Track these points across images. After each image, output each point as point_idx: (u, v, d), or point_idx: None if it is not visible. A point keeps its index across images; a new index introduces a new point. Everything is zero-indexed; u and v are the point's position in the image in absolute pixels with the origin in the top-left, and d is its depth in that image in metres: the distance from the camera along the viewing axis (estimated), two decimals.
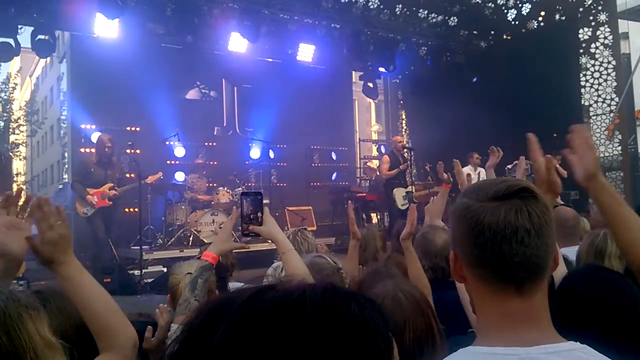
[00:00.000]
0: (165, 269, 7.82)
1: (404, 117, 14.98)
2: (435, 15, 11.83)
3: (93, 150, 8.74)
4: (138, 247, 7.91)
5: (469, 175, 2.65)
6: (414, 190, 9.46)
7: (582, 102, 10.73)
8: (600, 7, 10.54)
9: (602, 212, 1.52)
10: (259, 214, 2.09)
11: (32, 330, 1.17)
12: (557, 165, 1.84)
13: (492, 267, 1.03)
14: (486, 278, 1.05)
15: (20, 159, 33.72)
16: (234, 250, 2.25)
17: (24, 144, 33.12)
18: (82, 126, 10.46)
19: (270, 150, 11.81)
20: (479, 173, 8.85)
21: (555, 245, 1.07)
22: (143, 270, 7.41)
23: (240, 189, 10.04)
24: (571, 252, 2.57)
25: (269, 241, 2.17)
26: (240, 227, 2.14)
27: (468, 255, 1.07)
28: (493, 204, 1.03)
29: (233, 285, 3.22)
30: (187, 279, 2.52)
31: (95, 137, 9.71)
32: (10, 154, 28.47)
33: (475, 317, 1.38)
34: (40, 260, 1.49)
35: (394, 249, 4.11)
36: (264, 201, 2.19)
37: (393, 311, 1.62)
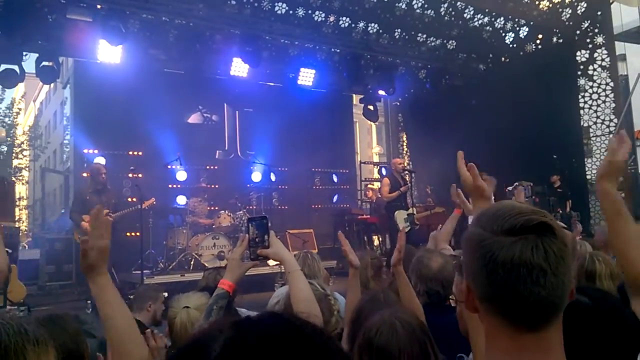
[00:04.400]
0: (166, 294, 7.78)
1: (404, 139, 15.07)
2: (434, 39, 11.98)
3: (86, 174, 8.81)
4: (139, 272, 7.89)
5: None
6: (415, 212, 9.46)
7: (582, 123, 10.79)
8: (597, 30, 10.68)
9: (605, 218, 1.58)
10: (266, 237, 2.13)
11: None
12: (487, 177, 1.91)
13: (504, 306, 1.00)
14: (498, 313, 1.02)
15: (22, 184, 33.81)
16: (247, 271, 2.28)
17: (27, 169, 33.23)
18: (85, 151, 10.52)
19: (272, 173, 11.86)
20: None
21: (572, 279, 1.03)
22: None
23: (241, 212, 10.04)
24: None
25: (271, 265, 2.19)
26: (248, 252, 2.18)
27: (480, 289, 1.04)
28: (508, 239, 0.98)
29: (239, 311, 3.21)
30: (184, 313, 2.52)
31: (96, 161, 9.78)
32: (14, 178, 28.56)
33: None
34: (83, 264, 1.66)
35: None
36: None
37: (388, 339, 1.62)
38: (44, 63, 9.13)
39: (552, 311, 0.99)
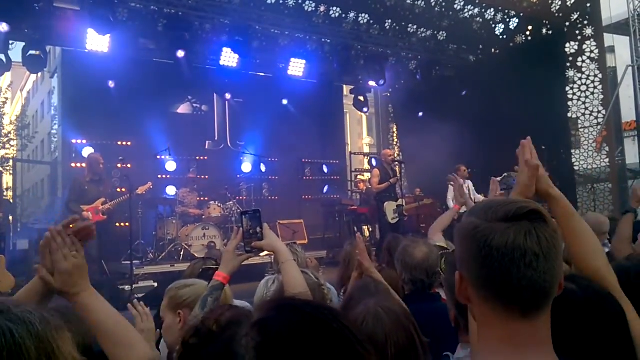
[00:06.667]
0: (156, 284, 7.79)
1: (394, 130, 15.10)
2: (425, 30, 11.98)
3: (83, 165, 8.73)
4: (129, 262, 7.87)
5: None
6: (404, 204, 9.50)
7: (570, 114, 10.88)
8: (586, 22, 10.74)
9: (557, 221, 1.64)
10: (259, 230, 2.17)
11: (67, 352, 1.18)
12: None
13: (498, 290, 1.02)
14: (491, 299, 1.04)
15: (10, 174, 33.50)
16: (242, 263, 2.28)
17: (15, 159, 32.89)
18: (73, 141, 10.43)
19: (262, 164, 11.84)
20: (468, 187, 8.90)
21: (562, 268, 1.06)
22: (134, 285, 7.37)
23: (231, 202, 10.04)
24: None
25: (261, 255, 2.22)
26: (243, 244, 2.21)
27: (474, 276, 1.06)
28: (502, 226, 1.02)
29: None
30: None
31: (86, 152, 9.71)
32: (0, 168, 28.28)
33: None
34: (56, 291, 1.51)
35: (384, 263, 4.14)
36: None
37: (375, 328, 1.64)
38: (31, 52, 9.01)
39: (543, 296, 1.02)
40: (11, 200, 21.04)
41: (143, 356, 1.55)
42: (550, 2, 11.04)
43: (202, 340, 0.74)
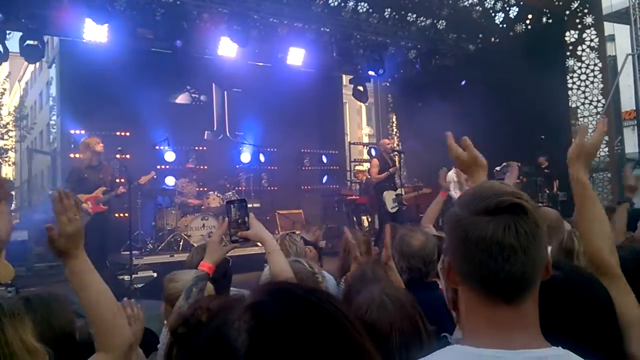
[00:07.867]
0: (155, 274, 7.81)
1: (394, 120, 15.06)
2: (424, 19, 11.90)
3: (79, 155, 8.62)
4: (128, 252, 7.89)
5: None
6: (403, 193, 9.50)
7: (570, 104, 10.84)
8: (586, 10, 10.67)
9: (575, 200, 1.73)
10: (246, 219, 2.16)
11: (11, 336, 1.17)
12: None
13: (479, 280, 1.06)
14: (474, 288, 1.07)
15: (9, 165, 33.45)
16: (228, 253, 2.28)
17: (13, 150, 32.84)
18: (72, 131, 10.39)
19: (261, 154, 11.82)
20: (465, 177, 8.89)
21: (546, 256, 1.08)
22: (133, 276, 7.39)
23: (230, 193, 10.03)
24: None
25: (259, 244, 2.22)
26: (229, 234, 2.19)
27: (458, 265, 1.10)
28: (482, 219, 1.04)
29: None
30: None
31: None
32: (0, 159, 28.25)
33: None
34: (54, 252, 1.56)
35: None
36: (255, 205, 2.25)
37: (379, 316, 1.64)
38: (29, 42, 8.95)
39: (524, 286, 1.05)
40: (12, 192, 20.97)
41: (127, 337, 1.58)
42: None
43: (192, 328, 0.74)
